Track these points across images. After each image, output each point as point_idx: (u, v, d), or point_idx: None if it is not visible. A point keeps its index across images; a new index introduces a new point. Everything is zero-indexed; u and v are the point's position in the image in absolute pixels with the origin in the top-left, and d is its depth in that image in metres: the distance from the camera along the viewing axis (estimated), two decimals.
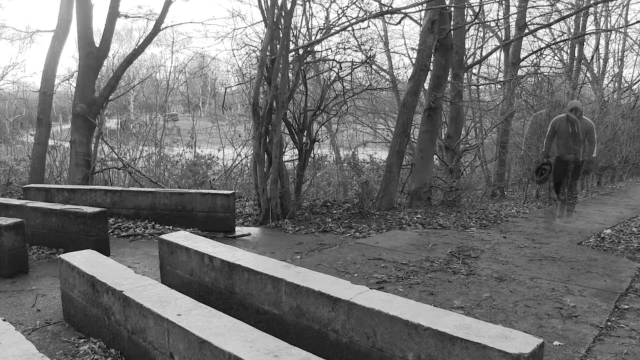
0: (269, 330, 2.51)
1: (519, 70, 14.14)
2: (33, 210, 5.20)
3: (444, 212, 8.09)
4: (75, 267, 3.11)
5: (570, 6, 14.12)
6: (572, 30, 16.96)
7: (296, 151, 7.91)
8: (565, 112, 7.42)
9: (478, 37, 14.55)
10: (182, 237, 3.78)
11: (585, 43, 18.08)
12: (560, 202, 7.67)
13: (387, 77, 14.82)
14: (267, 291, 2.93)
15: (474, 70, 15.14)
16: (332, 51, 8.38)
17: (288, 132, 7.61)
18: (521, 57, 14.04)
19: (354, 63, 8.44)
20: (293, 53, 7.07)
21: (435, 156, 10.24)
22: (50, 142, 10.00)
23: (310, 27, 8.56)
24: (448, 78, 9.68)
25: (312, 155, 8.36)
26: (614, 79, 20.07)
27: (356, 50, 9.44)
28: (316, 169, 10.58)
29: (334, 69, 8.01)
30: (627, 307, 3.66)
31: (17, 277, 4.26)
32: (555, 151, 7.55)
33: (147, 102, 19.50)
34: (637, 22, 19.08)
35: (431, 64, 8.91)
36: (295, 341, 2.50)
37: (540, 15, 14.12)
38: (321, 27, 8.16)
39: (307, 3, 8.00)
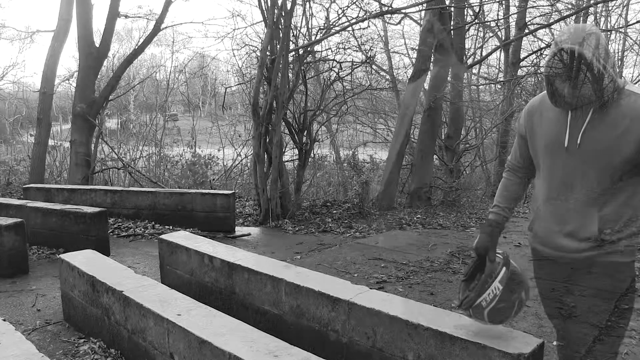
0: (269, 330, 2.51)
1: (519, 70, 14.11)
2: (33, 210, 5.20)
3: (444, 212, 8.09)
4: (75, 267, 3.11)
5: (570, 6, 14.10)
6: None
7: (296, 151, 7.91)
8: (544, 80, 1.72)
9: (478, 37, 14.54)
10: (182, 237, 3.78)
11: None
12: None
13: (387, 77, 14.81)
14: (267, 291, 2.93)
15: (474, 70, 15.12)
16: (332, 51, 8.40)
17: (288, 132, 7.61)
18: (521, 57, 14.02)
19: (354, 63, 8.46)
20: (293, 53, 7.07)
21: (435, 156, 10.24)
22: (50, 142, 10.01)
23: (310, 27, 8.56)
24: (448, 78, 9.68)
25: (312, 155, 8.37)
26: None
27: (356, 50, 9.46)
28: (316, 169, 10.58)
29: (334, 69, 8.02)
30: (627, 307, 3.65)
31: (17, 277, 4.26)
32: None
33: (147, 102, 19.49)
34: (637, 22, 18.95)
35: (431, 64, 8.92)
36: (295, 341, 2.49)
37: (540, 15, 14.09)
38: (321, 27, 8.17)
39: (307, 3, 8.00)
